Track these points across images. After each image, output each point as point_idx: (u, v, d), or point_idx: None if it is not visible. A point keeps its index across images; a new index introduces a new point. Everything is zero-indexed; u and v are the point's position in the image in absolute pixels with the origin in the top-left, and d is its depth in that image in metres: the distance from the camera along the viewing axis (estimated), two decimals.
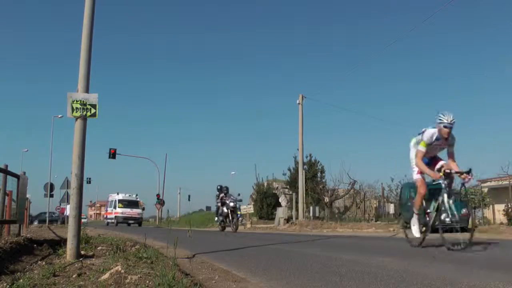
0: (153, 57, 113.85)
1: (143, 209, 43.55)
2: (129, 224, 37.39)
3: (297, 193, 24.66)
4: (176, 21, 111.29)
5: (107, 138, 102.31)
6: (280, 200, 31.77)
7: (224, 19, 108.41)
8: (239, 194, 19.12)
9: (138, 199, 41.77)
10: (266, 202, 30.90)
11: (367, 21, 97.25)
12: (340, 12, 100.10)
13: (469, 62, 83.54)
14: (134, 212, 39.18)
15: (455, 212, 6.81)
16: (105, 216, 46.39)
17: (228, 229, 18.63)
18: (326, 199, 25.57)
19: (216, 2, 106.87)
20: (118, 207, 39.07)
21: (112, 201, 41.23)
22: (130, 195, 40.96)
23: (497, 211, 21.05)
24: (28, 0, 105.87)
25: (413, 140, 7.60)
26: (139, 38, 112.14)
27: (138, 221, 39.15)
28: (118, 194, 40.60)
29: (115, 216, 38.63)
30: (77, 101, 5.85)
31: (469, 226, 10.40)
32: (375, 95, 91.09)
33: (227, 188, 19.08)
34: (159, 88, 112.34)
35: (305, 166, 25.89)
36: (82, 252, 5.98)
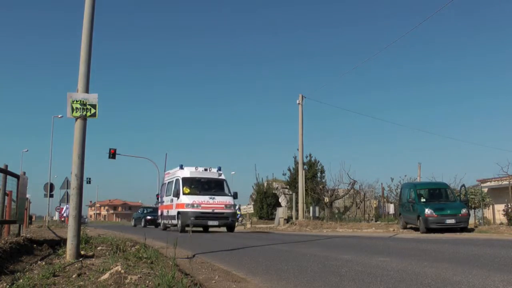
0: (153, 59, 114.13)
1: (236, 195, 19.34)
2: (207, 229, 18.66)
3: (297, 193, 24.63)
4: (176, 25, 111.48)
5: (107, 138, 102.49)
6: (280, 200, 31.76)
7: (223, 22, 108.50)
8: None
9: (222, 176, 19.65)
10: (266, 202, 30.90)
11: (367, 23, 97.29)
12: (340, 13, 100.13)
13: (468, 63, 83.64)
14: (218, 203, 17.90)
15: None
16: (159, 212, 22.14)
17: None
18: (326, 199, 25.51)
19: (216, 5, 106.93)
20: (184, 193, 18.00)
21: (171, 182, 19.83)
22: (206, 169, 19.45)
23: (497, 211, 21.03)
24: (28, 1, 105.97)
25: None
26: (140, 41, 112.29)
27: (228, 222, 18.11)
28: (182, 167, 19.35)
29: (179, 213, 17.79)
30: (77, 101, 5.84)
31: None
32: (375, 96, 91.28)
33: None
34: (160, 89, 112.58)
35: (305, 166, 25.86)
36: (82, 252, 5.97)
